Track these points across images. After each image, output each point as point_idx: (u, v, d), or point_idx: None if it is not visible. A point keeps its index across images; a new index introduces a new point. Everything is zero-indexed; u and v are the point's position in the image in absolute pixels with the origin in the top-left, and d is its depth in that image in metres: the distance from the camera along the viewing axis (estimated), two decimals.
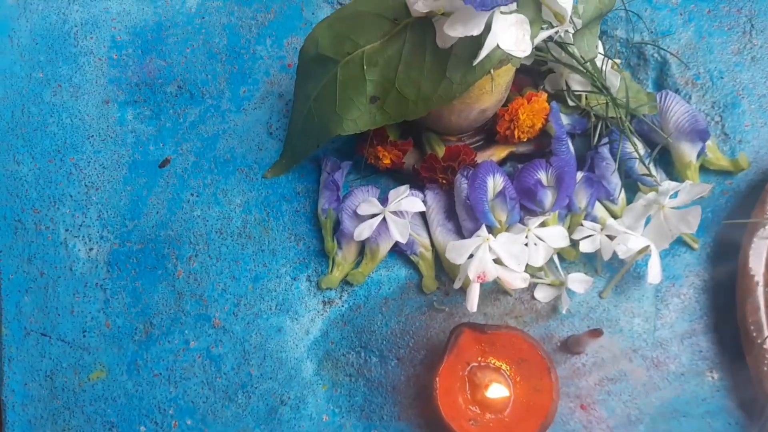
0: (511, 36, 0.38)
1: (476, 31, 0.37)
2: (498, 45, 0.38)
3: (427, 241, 0.47)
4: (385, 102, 0.42)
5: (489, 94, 0.44)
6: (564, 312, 0.44)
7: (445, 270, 0.46)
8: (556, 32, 0.42)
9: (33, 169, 0.49)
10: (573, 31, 0.44)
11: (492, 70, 0.41)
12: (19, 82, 0.52)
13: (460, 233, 0.46)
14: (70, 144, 0.50)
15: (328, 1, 0.55)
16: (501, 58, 0.39)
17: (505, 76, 0.44)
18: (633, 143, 0.44)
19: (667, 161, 0.48)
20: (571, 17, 0.43)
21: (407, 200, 0.44)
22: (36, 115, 0.51)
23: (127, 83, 0.52)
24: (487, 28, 0.37)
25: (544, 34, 0.42)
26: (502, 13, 0.38)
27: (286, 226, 0.47)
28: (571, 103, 0.48)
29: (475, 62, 0.38)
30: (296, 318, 0.45)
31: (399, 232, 0.44)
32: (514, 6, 0.39)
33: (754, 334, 0.41)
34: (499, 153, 0.49)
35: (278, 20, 0.54)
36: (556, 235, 0.44)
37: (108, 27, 0.54)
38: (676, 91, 0.51)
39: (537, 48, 0.48)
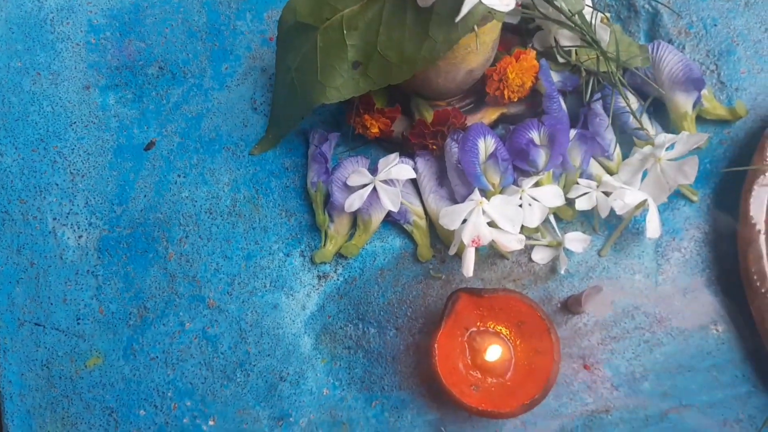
0: None
1: None
2: (481, 0, 0.37)
3: (420, 209, 0.46)
4: (368, 67, 0.41)
5: (475, 54, 0.42)
6: (563, 272, 0.43)
7: (439, 237, 0.45)
8: None
9: (17, 160, 0.49)
10: None
11: (476, 27, 0.39)
12: None
13: (454, 199, 0.45)
14: (52, 132, 0.49)
15: None
16: (484, 13, 0.38)
17: (490, 34, 0.42)
18: (624, 97, 0.43)
19: (663, 114, 0.47)
20: None
21: (397, 168, 0.43)
22: (16, 104, 0.50)
23: (107, 67, 0.51)
24: None
25: None
26: None
27: (277, 203, 0.47)
28: (561, 60, 0.47)
29: (457, 19, 0.37)
30: (291, 294, 0.44)
31: (390, 201, 0.43)
32: None
33: (758, 283, 0.40)
34: (489, 115, 0.48)
35: None
36: (551, 194, 0.43)
37: (84, 11, 0.53)
38: (669, 41, 0.49)
39: (524, 5, 0.46)
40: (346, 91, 0.41)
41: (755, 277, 0.40)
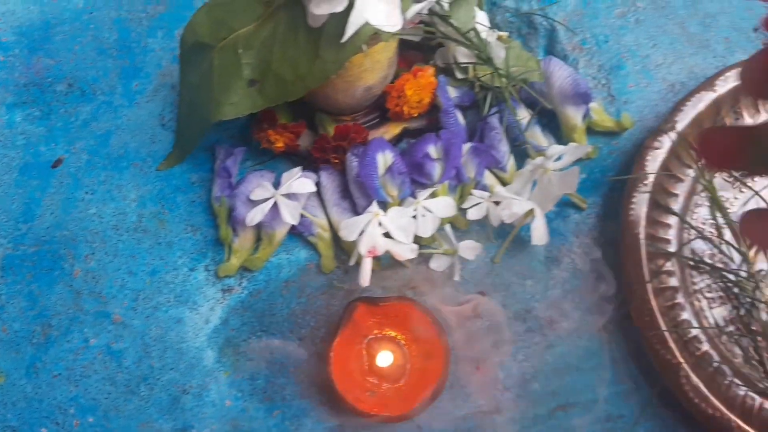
0: (380, 11, 0.39)
1: (339, 8, 0.38)
2: (367, 21, 0.38)
3: (324, 221, 0.47)
4: (264, 84, 0.42)
5: (370, 72, 0.44)
6: (457, 279, 0.45)
7: (343, 248, 0.47)
8: (429, 5, 0.43)
9: None
10: (449, 3, 0.45)
11: (365, 47, 0.41)
12: None
13: (356, 211, 0.47)
14: None
15: None
16: (371, 34, 0.40)
17: (384, 52, 0.44)
18: (513, 111, 0.45)
19: (556, 126, 0.49)
20: None
21: (298, 182, 0.45)
22: None
23: (15, 84, 0.51)
24: (353, 5, 0.38)
25: (416, 8, 0.42)
26: None
27: (182, 218, 0.47)
28: (459, 76, 0.49)
29: (343, 40, 0.39)
30: (195, 308, 0.45)
31: (290, 215, 0.44)
32: None
33: (635, 288, 0.42)
34: (392, 130, 0.49)
35: (169, 11, 0.54)
36: (444, 206, 0.44)
37: None
38: (565, 56, 0.52)
39: (425, 23, 0.48)
40: (242, 107, 0.42)
41: (634, 281, 0.43)
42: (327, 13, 0.38)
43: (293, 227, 0.46)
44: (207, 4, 0.44)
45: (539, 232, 0.43)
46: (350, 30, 0.38)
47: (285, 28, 0.41)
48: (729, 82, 0.48)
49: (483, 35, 0.48)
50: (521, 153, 0.48)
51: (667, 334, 0.42)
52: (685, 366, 0.41)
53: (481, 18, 0.48)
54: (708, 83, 0.48)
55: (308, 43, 0.40)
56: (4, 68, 0.52)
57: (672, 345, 0.42)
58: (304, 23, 0.40)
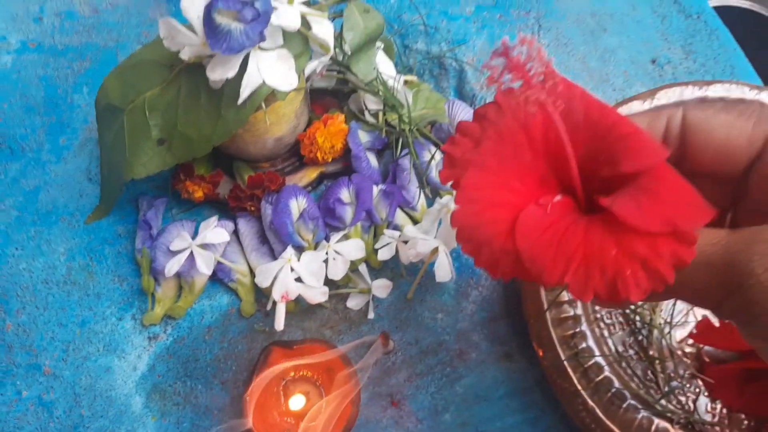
0: (276, 71, 0.41)
1: (231, 74, 0.40)
2: (263, 81, 0.41)
3: (244, 267, 0.49)
4: (171, 143, 0.44)
5: (277, 125, 0.46)
6: (372, 317, 0.47)
7: (263, 292, 0.49)
8: (323, 64, 0.45)
9: None
10: (347, 57, 0.47)
11: (264, 105, 0.43)
12: None
13: (274, 255, 0.49)
14: None
15: (142, 42, 0.57)
16: (268, 93, 0.42)
17: (289, 106, 0.46)
18: (414, 155, 0.48)
19: None
20: (342, 45, 0.46)
21: (212, 232, 0.47)
22: None
23: None
24: (246, 69, 0.40)
25: (312, 65, 0.45)
26: (262, 50, 0.41)
27: (110, 269, 0.49)
28: (370, 121, 0.51)
29: (239, 102, 0.41)
30: (123, 356, 0.47)
31: (205, 265, 0.46)
32: (280, 41, 0.42)
33: (532, 320, 0.45)
34: (310, 174, 0.52)
35: (94, 67, 0.56)
36: (353, 248, 0.47)
37: None
38: (473, 95, 0.54)
39: (338, 71, 0.51)
40: (152, 166, 0.44)
41: (530, 310, 0.45)
42: (219, 78, 0.40)
43: (214, 274, 0.48)
44: (117, 67, 0.46)
45: (443, 270, 0.45)
46: (245, 92, 0.41)
47: (188, 91, 0.43)
48: (628, 112, 0.51)
49: (390, 82, 0.50)
50: (435, 192, 0.51)
51: (565, 362, 0.44)
52: (583, 393, 0.44)
53: (386, 66, 0.50)
54: None
55: (210, 103, 0.43)
56: None
57: (570, 373, 0.44)
58: (206, 85, 0.42)
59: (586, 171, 0.23)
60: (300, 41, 0.43)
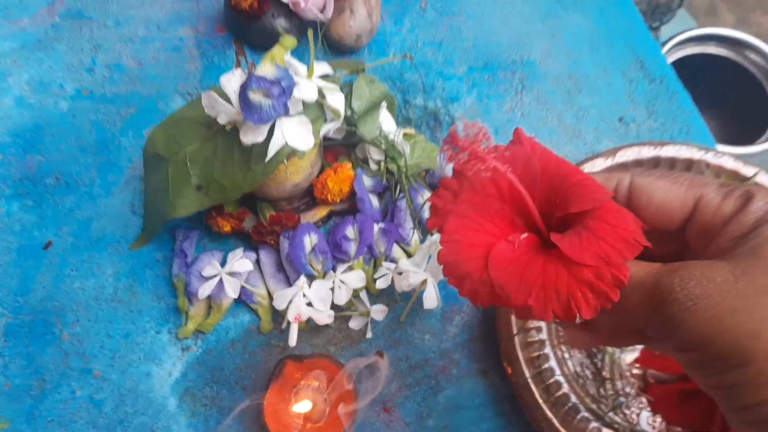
0: (297, 134, 0.50)
1: (261, 139, 0.49)
2: (286, 143, 0.50)
3: (263, 291, 0.58)
4: (208, 189, 0.53)
5: (295, 174, 0.55)
6: (370, 336, 0.56)
7: (279, 312, 0.58)
8: (336, 127, 0.54)
9: None
10: (356, 118, 0.56)
11: (285, 161, 0.52)
12: None
13: (289, 282, 0.58)
14: None
15: (180, 92, 0.66)
16: (289, 152, 0.51)
17: (305, 160, 0.55)
18: (409, 200, 0.57)
19: None
20: (352, 110, 0.55)
21: (239, 262, 0.56)
22: None
23: (12, 179, 0.62)
24: (273, 133, 0.49)
25: (327, 127, 0.54)
26: (285, 117, 0.50)
27: (150, 289, 0.58)
28: (373, 168, 0.60)
29: (266, 160, 0.50)
30: (160, 364, 0.56)
31: (232, 290, 0.55)
32: (300, 109, 0.51)
33: (502, 343, 0.54)
34: (321, 212, 0.61)
35: (138, 113, 0.65)
36: (356, 278, 0.56)
37: None
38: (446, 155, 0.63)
39: (347, 125, 0.60)
40: (192, 207, 0.53)
41: (502, 333, 0.54)
42: (251, 142, 0.49)
43: (238, 296, 0.57)
44: (162, 123, 0.55)
45: (430, 299, 0.54)
46: (271, 152, 0.50)
47: (223, 148, 0.52)
48: (592, 168, 0.60)
49: (391, 136, 0.59)
50: (427, 230, 0.60)
51: (529, 379, 0.53)
52: (543, 406, 0.53)
53: (388, 123, 0.59)
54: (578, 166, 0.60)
55: (242, 159, 0.52)
56: (2, 165, 0.63)
57: (533, 389, 0.53)
58: (239, 144, 0.51)
59: (545, 212, 0.27)
60: (316, 108, 0.52)
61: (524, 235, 0.27)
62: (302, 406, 0.52)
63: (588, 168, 0.59)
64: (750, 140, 1.00)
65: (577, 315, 0.24)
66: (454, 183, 0.28)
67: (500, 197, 0.28)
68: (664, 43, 1.06)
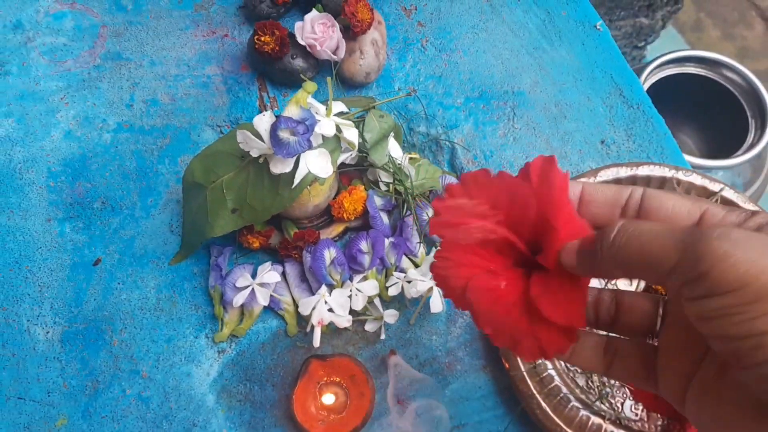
0: (317, 164, 0.58)
1: (288, 169, 0.57)
2: (309, 171, 0.58)
3: (289, 299, 0.66)
4: (242, 212, 0.61)
5: (316, 197, 0.63)
6: (383, 338, 0.64)
7: (303, 318, 0.65)
8: (350, 156, 0.62)
9: None
10: (368, 147, 0.64)
11: (309, 186, 0.60)
12: None
13: (311, 290, 0.66)
14: (24, 255, 0.68)
15: (209, 124, 0.74)
16: (312, 179, 0.59)
17: (325, 184, 0.63)
18: (415, 218, 0.65)
19: None
20: (364, 140, 0.63)
21: (268, 274, 0.64)
22: None
23: (63, 204, 0.70)
24: (298, 164, 0.57)
25: (343, 157, 0.62)
26: (309, 150, 0.58)
27: (188, 300, 0.66)
28: (383, 189, 0.68)
29: (294, 186, 0.58)
30: (199, 365, 0.64)
31: (263, 298, 0.63)
32: (320, 142, 0.59)
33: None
34: (337, 228, 0.69)
35: (173, 143, 0.73)
36: (370, 287, 0.63)
37: (45, 161, 0.72)
38: (461, 168, 0.71)
39: (359, 152, 0.68)
40: (227, 227, 0.61)
41: None
42: (280, 172, 0.57)
43: (266, 305, 0.65)
44: (198, 155, 0.63)
45: (436, 304, 0.62)
46: (298, 180, 0.58)
47: (254, 176, 0.60)
48: (579, 185, 0.68)
49: (398, 161, 0.67)
50: (432, 242, 0.67)
51: (525, 372, 0.61)
52: (538, 396, 0.60)
53: (396, 151, 0.67)
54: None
55: (271, 185, 0.60)
56: (54, 191, 0.71)
57: (528, 381, 0.60)
58: (268, 172, 0.59)
59: (536, 238, 0.30)
60: (334, 141, 0.60)
61: (503, 283, 0.30)
62: (327, 399, 0.59)
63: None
64: (729, 153, 1.08)
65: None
66: (459, 190, 0.31)
67: (490, 228, 0.30)
68: (647, 65, 1.14)
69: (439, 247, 0.33)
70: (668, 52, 1.15)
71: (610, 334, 0.33)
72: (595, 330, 0.33)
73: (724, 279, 0.21)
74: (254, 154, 0.58)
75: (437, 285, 0.33)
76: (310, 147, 0.56)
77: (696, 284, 0.22)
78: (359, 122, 0.64)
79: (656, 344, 0.30)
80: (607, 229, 0.26)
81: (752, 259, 0.21)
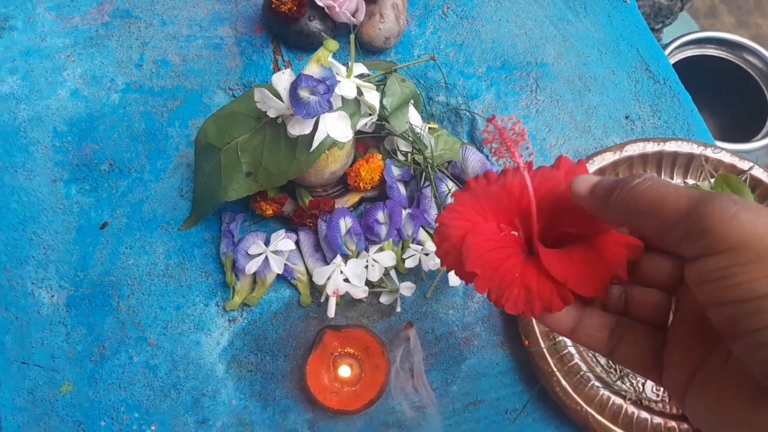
0: (336, 127, 0.56)
1: (307, 131, 0.55)
2: (328, 135, 0.56)
3: (302, 269, 0.64)
4: (257, 175, 0.59)
5: (333, 163, 0.61)
6: (399, 310, 0.62)
7: (317, 288, 0.64)
8: (371, 121, 0.60)
9: (2, 239, 0.65)
10: (387, 113, 0.62)
11: (327, 151, 0.58)
12: None
13: (326, 260, 0.64)
14: (29, 217, 0.66)
15: (221, 87, 0.72)
16: (331, 143, 0.57)
17: (342, 151, 0.61)
18: (434, 188, 0.63)
19: None
20: (383, 105, 0.61)
21: (282, 241, 0.62)
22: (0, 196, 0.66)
23: (69, 165, 0.68)
24: (317, 125, 0.55)
25: (363, 121, 0.60)
26: (328, 112, 0.56)
27: (198, 266, 0.64)
28: (401, 159, 0.66)
29: (312, 150, 0.56)
30: (209, 333, 0.62)
31: (276, 266, 0.61)
32: (340, 104, 0.57)
33: (520, 318, 0.60)
34: (353, 198, 0.66)
35: (183, 106, 0.71)
36: (387, 258, 0.62)
37: (50, 120, 0.69)
38: (482, 140, 0.69)
39: (378, 120, 0.65)
40: (242, 191, 0.59)
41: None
42: (298, 134, 0.55)
43: (280, 273, 0.63)
44: (212, 116, 0.60)
45: (454, 278, 0.60)
46: (316, 143, 0.55)
47: (271, 138, 0.58)
48: (602, 161, 0.66)
49: (417, 130, 0.65)
50: None
51: (545, 349, 0.59)
52: (558, 374, 0.59)
53: (415, 119, 0.65)
54: (586, 161, 0.66)
55: (288, 148, 0.57)
56: (60, 152, 0.68)
57: (549, 359, 0.59)
58: (285, 135, 0.57)
59: (545, 229, 0.31)
60: (354, 105, 0.58)
61: (505, 234, 0.31)
62: (343, 370, 0.57)
63: (598, 160, 0.65)
64: (747, 138, 1.06)
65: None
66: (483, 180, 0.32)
67: (512, 198, 0.31)
68: (666, 45, 1.12)
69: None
70: (687, 33, 1.12)
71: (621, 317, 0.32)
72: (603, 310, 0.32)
73: (727, 236, 0.22)
74: (272, 114, 0.55)
75: (436, 231, 0.31)
76: (330, 108, 0.54)
77: (698, 237, 0.23)
78: (380, 86, 0.61)
79: (666, 337, 0.30)
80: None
81: (758, 221, 0.21)
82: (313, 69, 0.54)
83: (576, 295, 0.28)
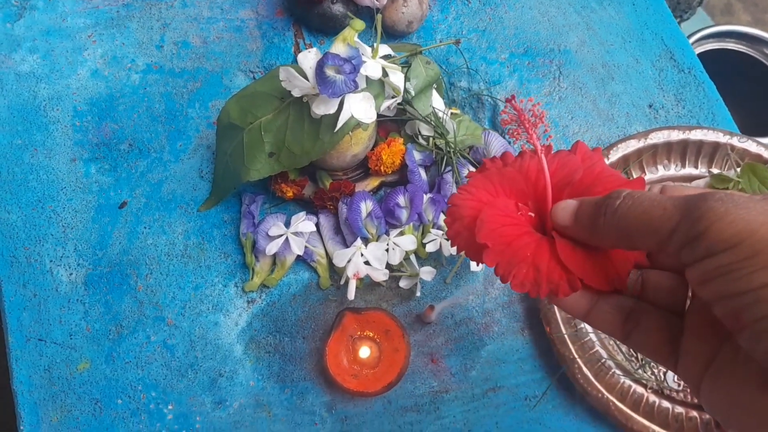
0: (361, 108, 0.56)
1: (332, 110, 0.54)
2: (352, 115, 0.55)
3: (322, 251, 0.64)
4: (279, 156, 0.59)
5: (355, 145, 0.61)
6: (418, 295, 0.62)
7: (336, 271, 0.63)
8: (395, 102, 0.59)
9: (21, 216, 0.65)
10: (411, 96, 0.61)
11: (350, 132, 0.58)
12: (2, 149, 0.67)
13: (345, 243, 0.63)
14: (48, 195, 0.66)
15: (242, 69, 0.71)
16: (355, 124, 0.56)
17: (365, 133, 0.61)
18: (456, 172, 0.62)
19: None
20: (407, 88, 0.60)
21: (303, 223, 0.61)
22: (19, 174, 0.66)
23: (89, 144, 0.68)
24: (342, 105, 0.55)
25: (387, 103, 0.59)
26: (353, 93, 0.55)
27: (217, 247, 0.64)
28: (422, 143, 0.66)
29: (336, 129, 0.55)
30: (228, 314, 0.62)
31: (297, 247, 0.61)
32: (364, 85, 0.56)
33: (541, 304, 0.59)
34: (373, 182, 0.66)
35: (204, 87, 0.70)
36: (408, 241, 0.61)
37: (70, 100, 0.69)
38: (501, 121, 0.68)
39: (400, 104, 0.65)
40: (264, 172, 0.59)
41: (545, 299, 0.59)
42: (323, 113, 0.54)
43: (299, 255, 0.63)
44: (236, 95, 0.60)
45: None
46: (340, 123, 0.55)
47: (294, 118, 0.57)
48: (626, 148, 0.65)
49: (440, 114, 0.64)
50: None
51: (566, 336, 0.59)
52: (579, 361, 0.58)
53: (438, 103, 0.64)
54: (610, 148, 0.65)
55: (311, 129, 0.57)
56: (80, 131, 0.68)
57: (570, 346, 0.58)
58: (308, 115, 0.57)
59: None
60: (378, 86, 0.57)
61: (521, 213, 0.30)
62: (363, 352, 0.57)
63: (622, 147, 0.65)
64: (766, 132, 1.05)
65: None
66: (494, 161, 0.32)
67: (528, 181, 0.31)
68: (687, 37, 1.11)
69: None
70: (707, 26, 1.11)
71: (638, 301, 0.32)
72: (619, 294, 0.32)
73: (722, 236, 0.22)
74: (296, 93, 0.55)
75: (447, 213, 0.31)
76: (356, 88, 0.53)
77: (696, 244, 0.23)
78: (403, 68, 0.61)
79: (683, 325, 0.29)
80: (612, 194, 0.27)
81: (749, 216, 0.22)
82: (339, 48, 0.54)
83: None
